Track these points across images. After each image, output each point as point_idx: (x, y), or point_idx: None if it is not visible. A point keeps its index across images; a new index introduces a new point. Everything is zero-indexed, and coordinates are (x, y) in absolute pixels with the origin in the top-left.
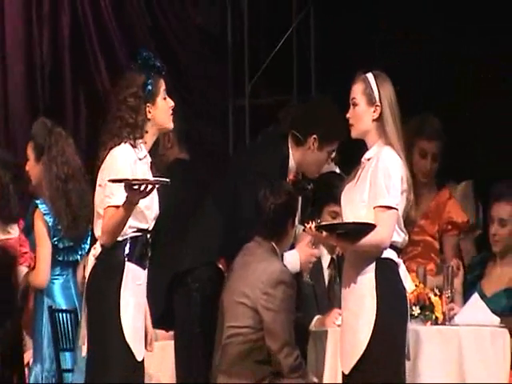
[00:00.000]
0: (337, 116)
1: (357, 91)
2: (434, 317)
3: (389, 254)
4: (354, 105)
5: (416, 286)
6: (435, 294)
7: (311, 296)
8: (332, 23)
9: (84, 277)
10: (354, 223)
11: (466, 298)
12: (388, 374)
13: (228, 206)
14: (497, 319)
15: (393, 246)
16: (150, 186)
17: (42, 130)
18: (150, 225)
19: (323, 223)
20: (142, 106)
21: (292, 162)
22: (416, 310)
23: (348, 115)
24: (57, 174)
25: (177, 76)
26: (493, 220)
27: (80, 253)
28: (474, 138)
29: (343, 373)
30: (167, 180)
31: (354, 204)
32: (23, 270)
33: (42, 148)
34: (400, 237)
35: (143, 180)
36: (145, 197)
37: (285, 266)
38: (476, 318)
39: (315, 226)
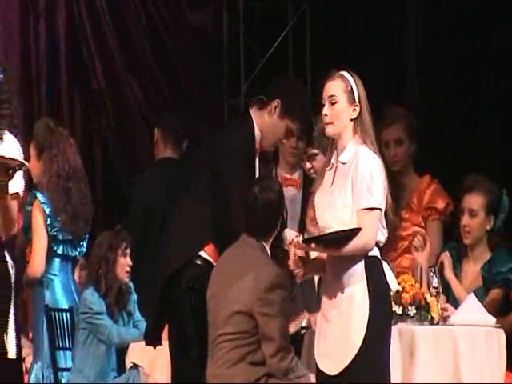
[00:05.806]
0: (304, 99)
1: (336, 88)
2: (429, 317)
3: (374, 252)
4: (333, 103)
5: (412, 285)
6: (431, 294)
7: (300, 297)
8: (328, 22)
9: (80, 276)
10: (338, 232)
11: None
12: (378, 374)
13: (208, 189)
14: (492, 319)
15: (376, 245)
16: None
17: (44, 129)
18: None
19: (309, 237)
20: None
21: (257, 130)
22: (412, 310)
23: (325, 112)
24: (57, 171)
25: (172, 75)
26: (463, 211)
27: (78, 250)
28: (473, 138)
29: (325, 373)
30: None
31: (336, 209)
32: None
33: (42, 146)
34: (383, 235)
35: None
36: None
37: (279, 268)
38: (471, 318)
39: (302, 240)
